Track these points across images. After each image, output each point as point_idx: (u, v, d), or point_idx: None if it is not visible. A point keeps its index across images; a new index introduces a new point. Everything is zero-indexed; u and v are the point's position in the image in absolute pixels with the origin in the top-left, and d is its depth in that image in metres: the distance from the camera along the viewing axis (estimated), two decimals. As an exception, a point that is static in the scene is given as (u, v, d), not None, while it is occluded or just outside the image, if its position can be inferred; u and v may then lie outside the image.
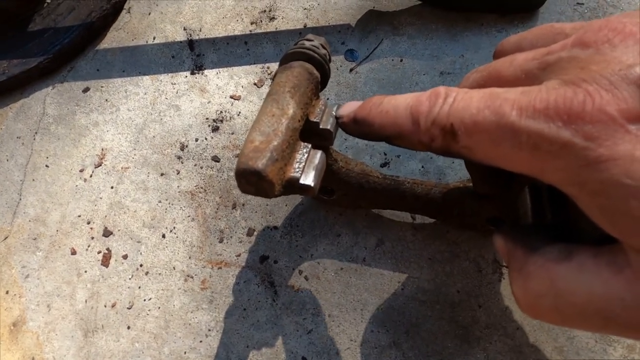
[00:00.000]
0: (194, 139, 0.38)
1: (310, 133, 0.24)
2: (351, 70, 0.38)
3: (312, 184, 0.22)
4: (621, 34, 0.16)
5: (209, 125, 0.38)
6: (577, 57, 0.17)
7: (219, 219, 0.35)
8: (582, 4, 0.38)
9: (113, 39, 0.42)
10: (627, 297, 0.15)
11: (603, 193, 0.15)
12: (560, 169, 0.16)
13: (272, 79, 0.24)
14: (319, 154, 0.23)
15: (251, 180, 0.20)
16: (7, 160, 0.39)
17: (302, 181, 0.22)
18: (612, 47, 0.16)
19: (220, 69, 0.40)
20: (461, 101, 0.18)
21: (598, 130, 0.15)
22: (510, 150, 0.17)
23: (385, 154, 0.35)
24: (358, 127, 0.23)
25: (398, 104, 0.21)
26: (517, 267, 0.19)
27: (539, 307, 0.18)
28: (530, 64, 0.19)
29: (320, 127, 0.24)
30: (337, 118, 0.24)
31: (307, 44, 0.25)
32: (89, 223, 0.36)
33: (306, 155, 0.22)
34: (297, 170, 0.22)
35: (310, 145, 0.23)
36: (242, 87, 0.39)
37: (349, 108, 0.24)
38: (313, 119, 0.24)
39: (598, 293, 0.16)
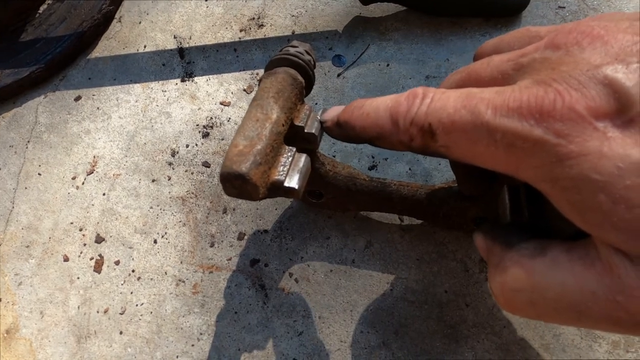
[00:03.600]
0: (185, 145, 0.38)
1: (295, 137, 0.25)
2: (339, 75, 0.39)
3: (297, 187, 0.22)
4: (589, 36, 0.17)
5: (199, 132, 0.38)
6: (549, 59, 0.17)
7: (210, 223, 0.35)
8: (564, 7, 0.38)
9: (104, 47, 0.43)
10: (598, 290, 0.16)
11: (574, 188, 0.16)
12: (533, 166, 0.17)
13: (258, 84, 0.25)
14: (303, 157, 0.23)
15: (235, 184, 0.21)
16: (0, 168, 0.39)
17: (286, 184, 0.22)
18: (581, 49, 0.17)
19: (210, 76, 0.40)
20: (438, 101, 0.19)
21: (568, 128, 0.15)
22: (486, 148, 0.18)
23: (372, 157, 0.36)
24: (341, 130, 0.23)
25: (378, 106, 0.21)
26: (495, 263, 0.20)
27: (515, 302, 0.19)
28: (506, 65, 0.19)
29: (305, 131, 0.24)
30: (321, 122, 0.25)
31: (292, 50, 0.26)
32: (81, 230, 0.37)
33: (291, 158, 0.23)
34: (282, 173, 0.22)
35: (294, 149, 0.23)
36: (232, 93, 0.39)
37: (332, 112, 0.25)
38: (298, 123, 0.24)
39: (571, 287, 0.17)
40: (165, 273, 0.35)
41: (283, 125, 0.23)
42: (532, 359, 0.29)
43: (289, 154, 0.23)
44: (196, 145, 0.38)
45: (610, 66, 0.16)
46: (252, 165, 0.20)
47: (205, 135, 0.38)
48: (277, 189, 0.22)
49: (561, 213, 0.17)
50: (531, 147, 0.16)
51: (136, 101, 0.40)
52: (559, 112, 0.16)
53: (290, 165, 0.23)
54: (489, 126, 0.17)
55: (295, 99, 0.24)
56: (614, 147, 0.15)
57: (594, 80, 0.16)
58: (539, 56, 0.18)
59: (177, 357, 0.32)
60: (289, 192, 0.22)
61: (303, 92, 0.25)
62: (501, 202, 0.23)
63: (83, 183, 0.38)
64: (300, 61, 0.25)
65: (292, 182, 0.22)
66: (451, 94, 0.19)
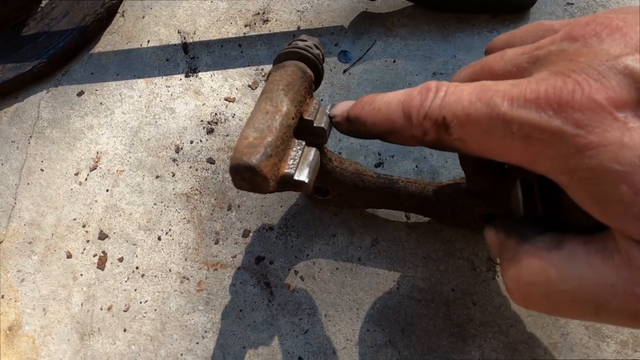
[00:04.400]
0: (189, 142, 0.38)
1: (304, 131, 0.24)
2: (345, 71, 0.38)
3: (307, 180, 0.22)
4: (608, 28, 0.17)
5: (203, 128, 0.38)
6: (566, 50, 0.17)
7: (215, 220, 0.35)
8: (572, 4, 0.38)
9: (107, 42, 0.43)
10: (617, 283, 0.16)
11: (593, 180, 0.15)
12: (551, 157, 0.16)
13: (266, 78, 0.25)
14: (313, 151, 0.23)
15: (245, 176, 0.20)
16: (2, 164, 0.39)
17: (296, 177, 0.22)
18: (600, 40, 0.17)
19: (215, 72, 0.40)
20: (453, 94, 0.19)
21: (587, 118, 0.15)
22: (502, 141, 0.17)
23: (379, 154, 0.35)
24: (351, 125, 0.23)
25: (390, 101, 0.21)
26: (509, 256, 0.19)
27: (530, 296, 0.18)
28: (520, 58, 0.19)
29: (314, 125, 0.24)
30: (330, 117, 0.25)
31: (301, 44, 0.25)
32: (84, 226, 0.36)
33: (300, 152, 0.23)
34: (292, 166, 0.22)
35: (304, 143, 0.23)
36: (237, 89, 0.39)
37: (342, 107, 0.24)
38: (307, 117, 0.24)
39: (588, 280, 0.16)
40: (170, 270, 0.34)
41: (293, 118, 0.22)
42: (539, 358, 0.29)
43: (299, 147, 0.23)
44: (200, 141, 0.38)
45: (630, 56, 0.15)
46: (263, 157, 0.20)
47: (210, 132, 0.38)
48: (287, 183, 0.22)
49: (578, 206, 0.17)
50: (549, 139, 0.16)
51: (140, 96, 0.40)
52: (578, 103, 0.15)
53: (300, 159, 0.22)
54: (505, 118, 0.17)
55: (304, 93, 0.24)
56: (635, 137, 0.15)
57: (613, 70, 0.15)
58: (555, 48, 0.18)
59: (182, 354, 0.32)
60: (299, 185, 0.22)
61: (312, 86, 0.25)
62: (514, 197, 0.23)
63: (86, 179, 0.38)
64: (309, 55, 0.24)
65: (302, 175, 0.22)
66: (465, 87, 0.19)
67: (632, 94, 0.15)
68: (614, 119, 0.15)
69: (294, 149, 0.22)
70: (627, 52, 0.15)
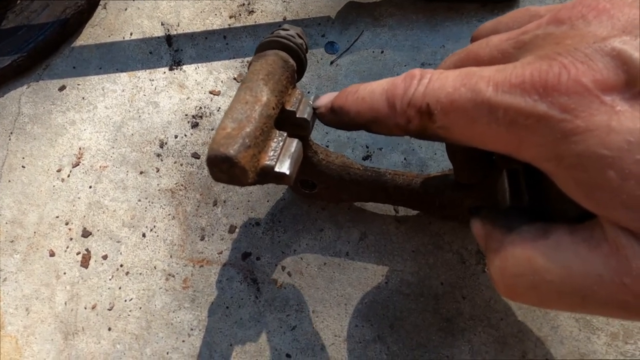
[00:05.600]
0: (174, 136, 0.37)
1: (286, 122, 0.24)
2: (332, 62, 0.38)
3: (288, 172, 0.21)
4: (595, 10, 0.16)
5: (188, 122, 0.37)
6: (552, 34, 0.17)
7: (200, 216, 0.34)
8: (562, -8, 0.37)
9: (89, 35, 0.41)
10: (604, 272, 0.15)
11: (580, 166, 0.15)
12: (536, 144, 0.16)
13: (248, 68, 0.24)
14: (295, 142, 0.22)
15: (223, 168, 0.20)
16: (-18, 161, 0.38)
17: (277, 169, 0.21)
18: (587, 23, 0.16)
19: (199, 64, 0.39)
20: (437, 81, 0.18)
21: (574, 102, 0.15)
22: (487, 127, 0.17)
23: (367, 147, 0.35)
24: (335, 116, 0.23)
25: (374, 89, 0.20)
26: (494, 247, 0.19)
27: (516, 288, 0.18)
28: (506, 44, 0.19)
29: (297, 116, 0.23)
30: (314, 109, 0.24)
31: (283, 32, 0.25)
32: (67, 224, 0.35)
33: (282, 143, 0.22)
34: (272, 158, 0.21)
35: (285, 134, 0.22)
36: (222, 82, 0.38)
37: (325, 99, 0.24)
38: (289, 107, 0.23)
39: (575, 270, 0.16)
40: (155, 267, 0.34)
41: (274, 108, 0.22)
42: (529, 352, 0.29)
43: (280, 138, 0.22)
44: (185, 135, 0.37)
45: (618, 38, 0.15)
46: (241, 148, 0.19)
47: (195, 126, 0.37)
48: (267, 175, 0.21)
49: (564, 194, 0.17)
50: (534, 124, 0.15)
51: (123, 91, 0.39)
52: (564, 86, 0.15)
53: (281, 150, 0.22)
54: (490, 103, 0.16)
55: (286, 83, 0.23)
56: (623, 121, 0.14)
57: (600, 52, 0.15)
58: (541, 32, 0.17)
59: (168, 353, 0.31)
60: (280, 177, 0.21)
61: (295, 76, 0.24)
62: (500, 187, 0.23)
63: (69, 175, 0.37)
64: (291, 44, 0.24)
65: (283, 167, 0.21)
66: (450, 74, 0.18)
67: (619, 76, 0.14)
68: (601, 102, 0.14)
69: (275, 140, 0.22)
70: (615, 34, 0.15)
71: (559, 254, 0.16)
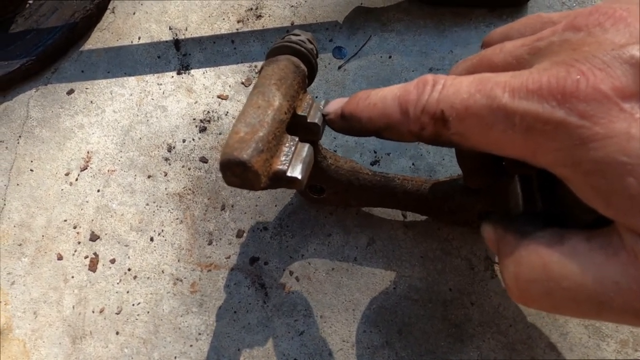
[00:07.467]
0: (181, 140, 0.37)
1: (297, 127, 0.24)
2: (339, 67, 0.38)
3: (300, 177, 0.21)
4: (612, 17, 0.16)
5: (196, 126, 0.37)
6: (569, 40, 0.17)
7: (208, 220, 0.34)
8: (571, -3, 0.37)
9: (97, 39, 0.42)
10: (621, 280, 0.15)
11: (598, 172, 0.15)
12: (554, 149, 0.16)
13: (259, 73, 0.24)
14: (306, 147, 0.22)
15: (236, 172, 0.20)
16: (-9, 164, 0.38)
17: (289, 174, 0.21)
18: (604, 30, 0.16)
19: (207, 69, 0.39)
20: (451, 87, 0.18)
21: (593, 109, 0.15)
22: (503, 134, 0.17)
23: (375, 152, 0.35)
24: (346, 122, 0.22)
25: (385, 95, 0.20)
26: (508, 252, 0.19)
27: (530, 293, 0.18)
28: (521, 50, 0.18)
29: (308, 120, 0.23)
30: (324, 115, 0.24)
31: (294, 38, 0.25)
32: (75, 227, 0.35)
33: (293, 148, 0.22)
34: (284, 162, 0.21)
35: (297, 139, 0.22)
36: (230, 86, 0.38)
37: (335, 104, 0.24)
38: (300, 112, 0.23)
39: (591, 277, 0.16)
40: (162, 272, 0.34)
41: (285, 113, 0.22)
42: (538, 358, 0.29)
43: (292, 143, 0.22)
44: (193, 140, 0.37)
45: (636, 46, 0.15)
46: (254, 152, 0.19)
47: (203, 130, 0.37)
48: (279, 179, 0.21)
49: (579, 200, 0.16)
50: (552, 130, 0.15)
51: (131, 94, 0.39)
52: (582, 93, 0.15)
53: (293, 155, 0.22)
54: (506, 110, 0.16)
55: (298, 88, 0.23)
56: None
57: (619, 60, 0.15)
58: (557, 39, 0.17)
59: (175, 357, 0.31)
60: (292, 182, 0.21)
61: (306, 81, 0.24)
62: (512, 193, 0.23)
63: (77, 179, 0.37)
64: (302, 49, 0.24)
65: (295, 171, 0.21)
66: (464, 80, 0.18)
67: (637, 83, 0.14)
68: (620, 109, 0.14)
69: (287, 144, 0.22)
70: (632, 42, 0.15)
71: (575, 260, 0.16)
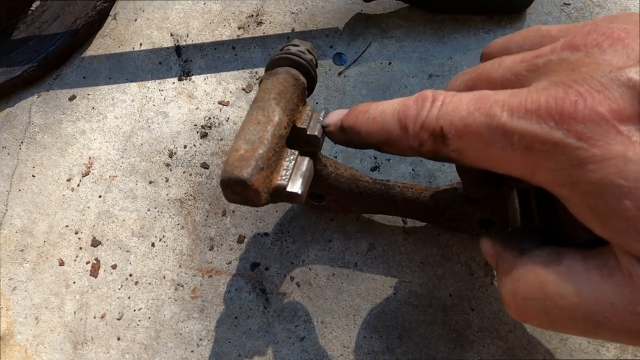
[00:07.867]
0: (183, 146, 0.37)
1: (297, 139, 0.24)
2: (340, 74, 0.38)
3: (300, 192, 0.21)
4: (610, 38, 0.16)
5: (197, 132, 0.38)
6: (567, 60, 0.17)
7: (209, 226, 0.35)
8: (569, 4, 0.38)
9: (99, 46, 0.42)
10: (617, 301, 0.15)
11: (595, 193, 0.15)
12: (551, 169, 0.16)
13: (258, 86, 0.24)
14: (306, 161, 0.23)
15: (237, 190, 0.20)
16: (-7, 170, 0.39)
17: (289, 189, 0.21)
18: (602, 51, 0.16)
19: (208, 75, 0.39)
20: (450, 104, 0.18)
21: (590, 131, 0.15)
22: (502, 152, 0.17)
23: (375, 158, 0.35)
24: (345, 135, 0.23)
25: (385, 110, 0.21)
26: (506, 270, 0.19)
27: (527, 311, 0.18)
28: (519, 66, 0.19)
29: (308, 133, 0.24)
30: (323, 127, 0.24)
31: (293, 49, 0.25)
32: (76, 233, 0.36)
33: (293, 162, 0.22)
34: (284, 177, 0.21)
35: (297, 152, 0.23)
36: (231, 92, 0.39)
37: (335, 116, 0.24)
38: (300, 125, 0.24)
39: (587, 297, 0.16)
40: (164, 277, 0.34)
41: (285, 128, 0.22)
42: (538, 364, 0.29)
43: (292, 157, 0.22)
44: (194, 146, 0.37)
45: (633, 68, 0.15)
46: (254, 171, 0.20)
47: (204, 136, 0.37)
48: (280, 194, 0.21)
49: (576, 219, 0.17)
50: (550, 150, 0.16)
51: (132, 101, 0.39)
52: (580, 114, 0.15)
53: (292, 170, 0.22)
54: (505, 129, 0.16)
55: (297, 100, 0.23)
56: (639, 152, 0.14)
57: (616, 82, 0.15)
58: (556, 57, 0.17)
59: (176, 363, 0.32)
60: (292, 197, 0.21)
61: (305, 93, 0.24)
62: (511, 207, 0.23)
63: (78, 185, 0.37)
64: (302, 61, 0.24)
65: (295, 187, 0.21)
66: (463, 97, 0.18)
67: (635, 107, 0.15)
68: (618, 132, 0.15)
69: (287, 159, 0.22)
70: (630, 64, 0.15)
71: (572, 280, 0.17)
